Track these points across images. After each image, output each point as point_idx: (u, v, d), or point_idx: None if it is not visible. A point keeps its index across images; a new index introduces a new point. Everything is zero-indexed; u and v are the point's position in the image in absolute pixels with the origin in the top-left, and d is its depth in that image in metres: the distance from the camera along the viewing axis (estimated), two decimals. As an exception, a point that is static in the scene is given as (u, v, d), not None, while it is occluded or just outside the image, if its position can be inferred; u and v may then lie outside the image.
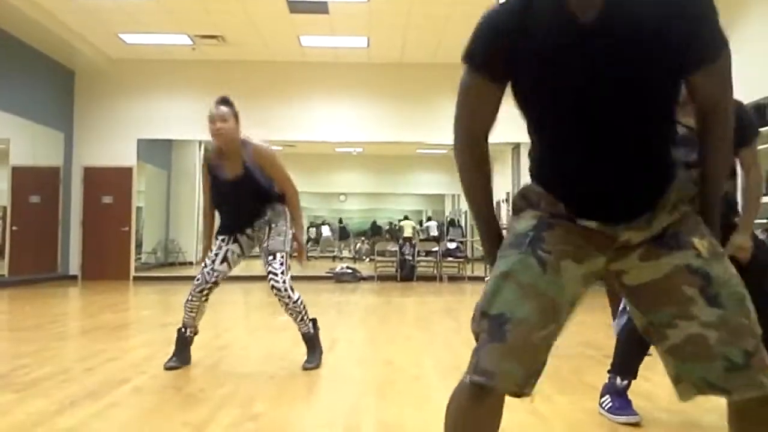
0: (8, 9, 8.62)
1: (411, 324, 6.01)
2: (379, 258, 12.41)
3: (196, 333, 3.96)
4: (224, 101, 3.89)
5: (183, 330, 3.91)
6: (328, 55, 11.31)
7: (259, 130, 11.77)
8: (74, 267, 11.46)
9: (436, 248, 12.35)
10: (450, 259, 12.34)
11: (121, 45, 10.84)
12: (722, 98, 1.42)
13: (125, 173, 11.55)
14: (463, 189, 1.59)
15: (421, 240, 14.13)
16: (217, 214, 4.00)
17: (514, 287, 1.37)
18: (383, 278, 11.73)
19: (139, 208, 12.47)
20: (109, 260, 11.43)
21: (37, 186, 10.79)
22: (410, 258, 11.89)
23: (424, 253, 12.39)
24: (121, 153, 11.54)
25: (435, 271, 12.05)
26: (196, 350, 4.30)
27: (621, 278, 1.44)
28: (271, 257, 3.78)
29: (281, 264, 3.77)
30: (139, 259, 12.77)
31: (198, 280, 3.81)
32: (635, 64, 1.32)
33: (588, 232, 1.40)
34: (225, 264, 3.84)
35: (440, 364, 4.00)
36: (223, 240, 3.87)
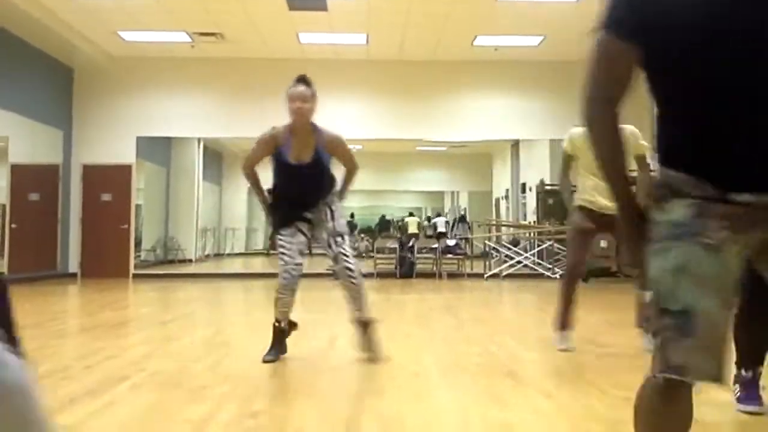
0: (7, 7, 8.60)
1: (411, 321, 6.01)
2: (379, 255, 12.40)
3: (292, 324, 4.04)
4: (304, 80, 3.90)
5: (279, 323, 3.97)
6: (327, 52, 11.29)
7: (259, 127, 11.80)
8: (73, 265, 11.46)
9: (436, 245, 12.35)
10: (449, 256, 12.33)
11: (121, 42, 10.82)
12: None
13: (124, 171, 11.53)
14: (603, 164, 1.52)
15: (427, 236, 14.14)
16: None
17: (689, 280, 1.36)
18: (383, 275, 11.73)
19: (138, 206, 12.47)
20: (108, 258, 11.42)
21: (37, 184, 10.79)
22: (410, 255, 11.89)
23: (424, 251, 12.39)
24: (120, 150, 11.53)
25: (434, 268, 12.04)
26: (195, 348, 4.30)
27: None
28: (339, 238, 3.86)
29: (350, 246, 3.89)
30: (139, 256, 12.76)
31: (286, 277, 3.84)
32: None
33: (742, 207, 1.37)
34: (301, 256, 3.90)
35: (440, 361, 3.99)
36: (289, 235, 3.88)
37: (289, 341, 4.35)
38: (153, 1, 9.00)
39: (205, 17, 9.62)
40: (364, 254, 18.14)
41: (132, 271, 11.55)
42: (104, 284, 10.06)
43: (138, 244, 12.67)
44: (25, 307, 7.16)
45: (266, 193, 4.07)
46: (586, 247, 4.31)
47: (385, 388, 3.32)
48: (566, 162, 4.40)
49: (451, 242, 12.85)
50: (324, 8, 9.18)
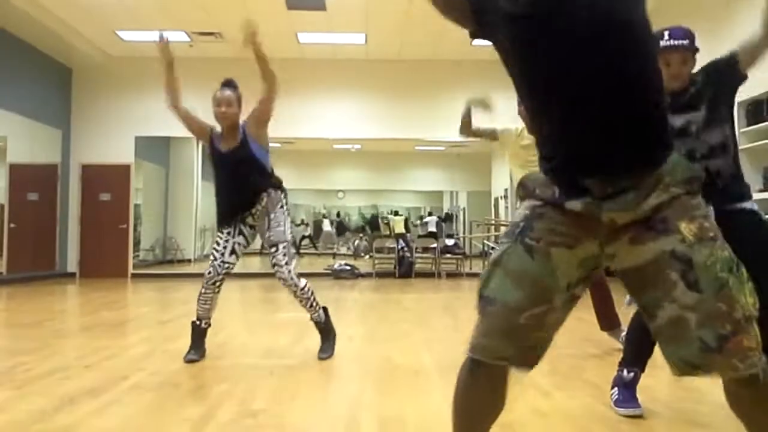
0: (5, 6, 8.59)
1: (410, 320, 6.01)
2: (378, 255, 12.40)
3: (209, 325, 4.04)
4: (230, 84, 4.04)
5: (198, 322, 3.99)
6: (325, 52, 11.29)
7: (257, 127, 11.80)
8: (72, 264, 11.45)
9: (435, 245, 12.35)
10: (448, 255, 12.34)
11: (119, 42, 10.81)
12: None
13: (123, 170, 11.53)
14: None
15: (419, 236, 14.13)
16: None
17: (501, 273, 1.50)
18: (381, 275, 11.73)
19: (137, 206, 12.46)
20: (107, 258, 11.42)
21: (35, 183, 10.78)
22: (408, 255, 11.89)
23: (421, 250, 12.39)
24: (118, 150, 11.52)
25: (433, 268, 12.05)
26: (194, 347, 4.29)
27: (613, 261, 1.51)
28: (274, 249, 3.88)
29: (284, 255, 3.86)
30: (137, 256, 12.76)
31: (210, 273, 3.89)
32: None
33: (576, 216, 1.46)
34: (234, 256, 3.93)
35: (439, 360, 4.00)
36: (228, 233, 3.93)
37: (289, 338, 4.36)
38: (152, 0, 9.00)
39: (204, 17, 9.62)
40: (363, 254, 18.16)
41: (131, 270, 11.55)
42: (103, 284, 10.05)
43: (137, 243, 12.66)
44: (24, 306, 7.15)
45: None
46: None
47: (385, 387, 3.32)
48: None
49: (449, 242, 12.86)
50: (322, 8, 9.18)
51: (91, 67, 11.40)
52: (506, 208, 16.94)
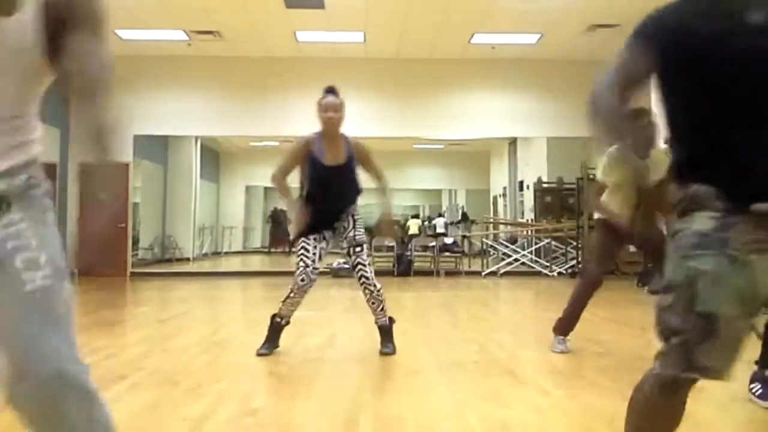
0: (3, 5, 8.58)
1: (408, 319, 6.01)
2: (376, 253, 12.41)
3: (288, 323, 4.16)
4: (334, 91, 4.16)
5: (279, 320, 4.10)
6: (324, 51, 11.28)
7: (256, 125, 11.81)
8: (70, 263, 11.45)
9: (434, 243, 12.36)
10: (447, 254, 12.34)
11: (117, 41, 10.79)
12: None
13: (121, 169, 11.52)
14: (604, 120, 1.67)
15: (428, 236, 14.18)
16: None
17: (716, 287, 1.46)
18: (380, 273, 11.72)
19: (135, 205, 12.45)
20: (105, 257, 11.40)
21: (34, 182, 10.76)
22: (408, 253, 11.90)
23: (420, 249, 12.40)
24: (117, 149, 11.50)
25: (432, 266, 12.05)
26: (193, 345, 4.30)
27: None
28: (358, 248, 4.05)
29: (368, 255, 4.08)
30: (136, 255, 12.75)
31: (303, 280, 3.94)
32: None
33: (763, 218, 1.47)
34: (321, 261, 4.08)
35: (438, 359, 4.00)
36: (315, 239, 4.04)
37: (288, 337, 4.37)
38: (150, -1, 8.99)
39: (203, 15, 9.61)
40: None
41: (130, 269, 11.54)
42: (101, 283, 10.05)
43: (135, 242, 12.66)
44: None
45: (293, 196, 4.13)
46: (612, 258, 4.29)
47: (384, 386, 3.33)
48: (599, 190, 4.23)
49: (448, 240, 12.86)
50: (321, 6, 9.18)
51: (89, 65, 11.38)
52: (505, 206, 16.96)
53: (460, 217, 19.83)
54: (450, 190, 22.20)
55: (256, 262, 16.01)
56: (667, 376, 1.51)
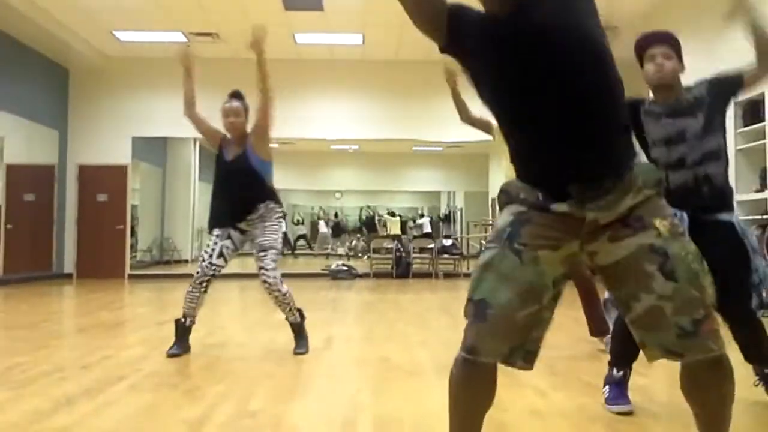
0: (2, 7, 8.58)
1: (407, 321, 6.02)
2: (375, 255, 12.41)
3: (194, 323, 4.18)
4: (237, 95, 4.24)
5: (183, 320, 4.13)
6: (323, 53, 11.29)
7: (255, 127, 11.79)
8: (69, 265, 11.43)
9: (432, 245, 12.36)
10: (445, 256, 12.34)
11: (116, 42, 10.80)
12: None
13: (120, 171, 11.52)
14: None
15: (415, 237, 14.14)
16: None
17: (493, 276, 1.58)
18: (379, 275, 11.73)
19: (134, 206, 12.44)
20: (104, 258, 11.40)
21: (32, 184, 10.76)
22: (405, 255, 11.90)
23: (418, 250, 12.40)
24: (115, 151, 11.51)
25: (430, 268, 12.05)
26: (192, 347, 4.30)
27: (593, 259, 1.62)
28: (263, 253, 4.03)
29: (272, 260, 4.03)
30: (135, 257, 12.74)
31: (198, 273, 4.04)
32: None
33: (561, 218, 1.57)
34: (221, 259, 4.08)
35: (436, 360, 4.00)
36: (218, 236, 4.09)
37: (286, 339, 4.37)
38: (149, 1, 8.99)
39: (201, 17, 9.62)
40: (360, 254, 18.16)
41: (128, 271, 11.53)
42: (100, 285, 10.04)
43: (134, 244, 12.65)
44: (20, 307, 7.14)
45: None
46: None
47: (382, 387, 3.33)
48: None
49: (447, 242, 12.86)
50: (320, 8, 9.19)
51: (88, 67, 11.39)
52: (503, 208, 16.97)
53: (442, 219, 19.97)
54: (448, 192, 22.19)
55: (254, 264, 15.99)
56: (459, 356, 1.64)
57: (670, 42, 2.72)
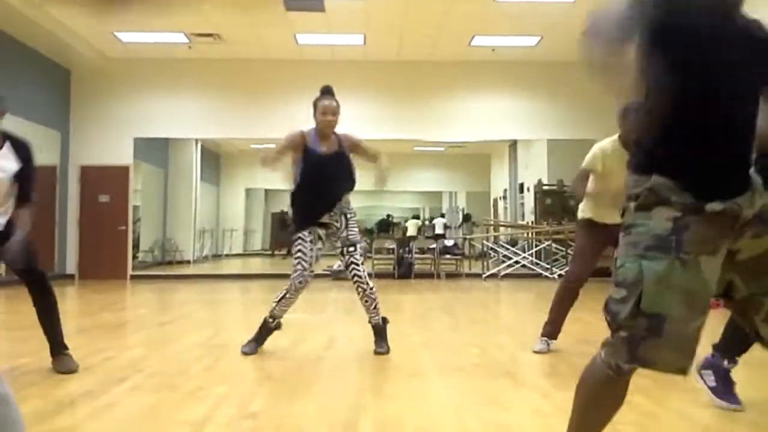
0: (4, 8, 8.59)
1: (409, 321, 6.01)
2: (377, 256, 12.41)
3: (279, 326, 4.25)
4: (331, 92, 4.26)
5: (271, 321, 4.18)
6: (324, 53, 11.29)
7: (257, 128, 11.80)
8: (71, 266, 11.45)
9: (434, 245, 12.35)
10: (447, 256, 12.33)
11: (118, 43, 10.81)
12: None
13: (122, 172, 11.52)
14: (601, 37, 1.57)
15: (427, 237, 14.16)
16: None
17: (665, 290, 1.55)
18: (381, 276, 11.73)
19: (136, 207, 12.44)
20: (106, 259, 11.41)
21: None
22: (408, 255, 11.89)
23: (419, 251, 12.39)
24: (117, 152, 11.52)
25: (433, 269, 12.05)
26: (193, 348, 4.30)
27: (734, 257, 1.64)
28: (352, 248, 4.12)
29: (361, 255, 4.15)
30: (137, 258, 12.75)
31: (300, 282, 4.04)
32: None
33: (714, 219, 1.56)
34: (317, 263, 4.17)
35: (438, 362, 4.00)
36: (310, 240, 4.09)
37: (288, 340, 4.37)
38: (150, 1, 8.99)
39: (203, 18, 9.62)
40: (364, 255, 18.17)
41: (130, 272, 11.54)
42: (102, 286, 10.05)
43: (136, 245, 12.65)
44: (22, 308, 7.13)
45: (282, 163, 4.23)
46: (593, 261, 4.16)
47: (383, 388, 3.32)
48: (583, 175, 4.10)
49: (449, 242, 12.85)
50: (321, 9, 9.18)
51: (89, 68, 11.40)
52: (505, 208, 16.94)
53: (461, 220, 19.81)
54: (450, 193, 22.18)
55: (257, 265, 16.00)
56: (612, 364, 1.62)
57: None
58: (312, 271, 4.08)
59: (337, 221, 4.15)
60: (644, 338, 1.56)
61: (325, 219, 4.14)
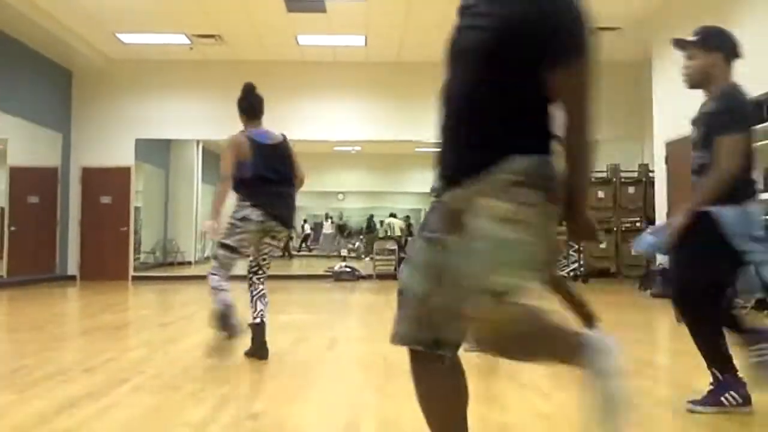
0: (5, 9, 8.61)
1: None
2: (378, 256, 12.40)
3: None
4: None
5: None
6: (325, 54, 11.30)
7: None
8: (73, 267, 11.45)
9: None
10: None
11: (119, 45, 10.82)
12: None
13: (123, 173, 11.53)
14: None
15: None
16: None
17: (408, 266, 1.65)
18: (382, 277, 11.73)
19: (137, 208, 12.45)
20: (107, 260, 11.42)
21: (36, 186, 10.78)
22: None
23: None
24: (119, 153, 11.53)
25: (434, 270, 12.02)
26: (194, 349, 4.31)
27: None
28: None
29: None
30: (138, 259, 12.76)
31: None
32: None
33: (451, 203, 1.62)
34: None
35: (439, 362, 4.00)
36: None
37: (289, 341, 4.37)
38: (152, 3, 9.01)
39: (204, 19, 9.63)
40: (362, 255, 18.16)
41: (131, 273, 11.55)
42: (103, 287, 10.06)
43: (137, 246, 12.66)
44: (24, 310, 7.16)
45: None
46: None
47: (384, 389, 3.33)
48: None
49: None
50: (322, 10, 9.19)
51: (91, 70, 11.41)
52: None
53: None
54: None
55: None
56: (409, 351, 1.66)
57: (688, 43, 2.82)
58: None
59: (284, 231, 4.46)
60: (396, 312, 1.65)
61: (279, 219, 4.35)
